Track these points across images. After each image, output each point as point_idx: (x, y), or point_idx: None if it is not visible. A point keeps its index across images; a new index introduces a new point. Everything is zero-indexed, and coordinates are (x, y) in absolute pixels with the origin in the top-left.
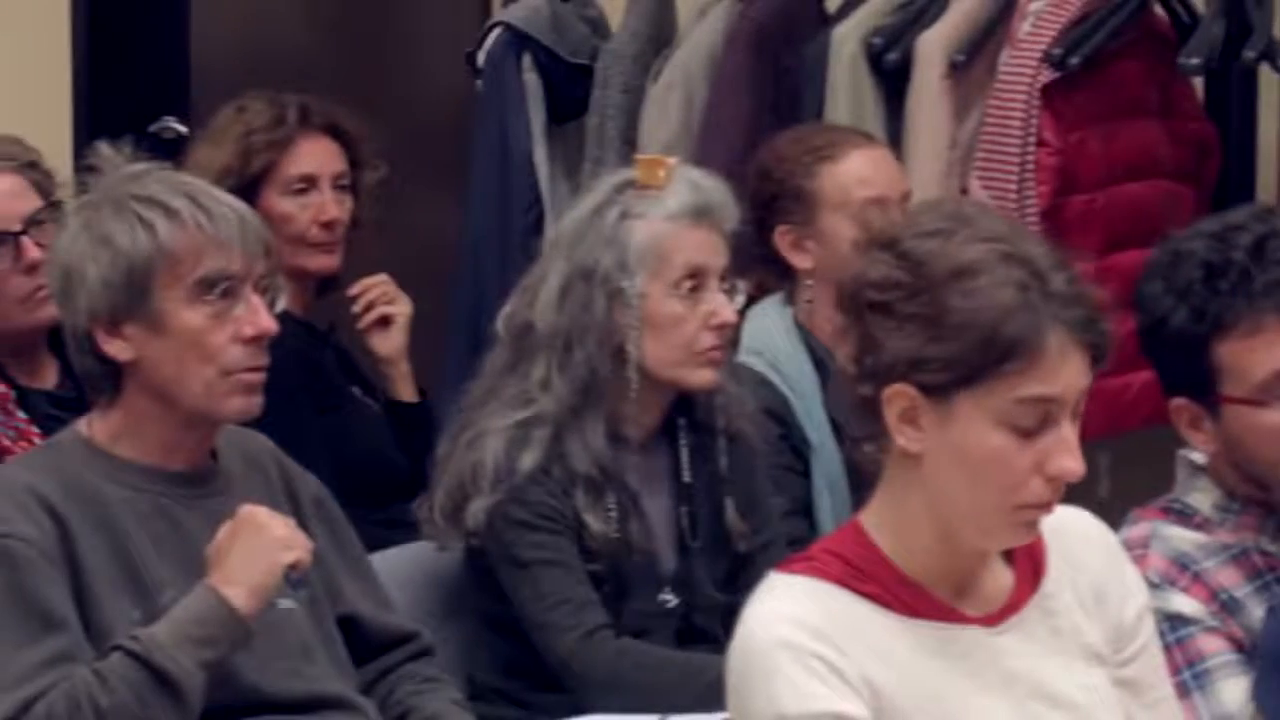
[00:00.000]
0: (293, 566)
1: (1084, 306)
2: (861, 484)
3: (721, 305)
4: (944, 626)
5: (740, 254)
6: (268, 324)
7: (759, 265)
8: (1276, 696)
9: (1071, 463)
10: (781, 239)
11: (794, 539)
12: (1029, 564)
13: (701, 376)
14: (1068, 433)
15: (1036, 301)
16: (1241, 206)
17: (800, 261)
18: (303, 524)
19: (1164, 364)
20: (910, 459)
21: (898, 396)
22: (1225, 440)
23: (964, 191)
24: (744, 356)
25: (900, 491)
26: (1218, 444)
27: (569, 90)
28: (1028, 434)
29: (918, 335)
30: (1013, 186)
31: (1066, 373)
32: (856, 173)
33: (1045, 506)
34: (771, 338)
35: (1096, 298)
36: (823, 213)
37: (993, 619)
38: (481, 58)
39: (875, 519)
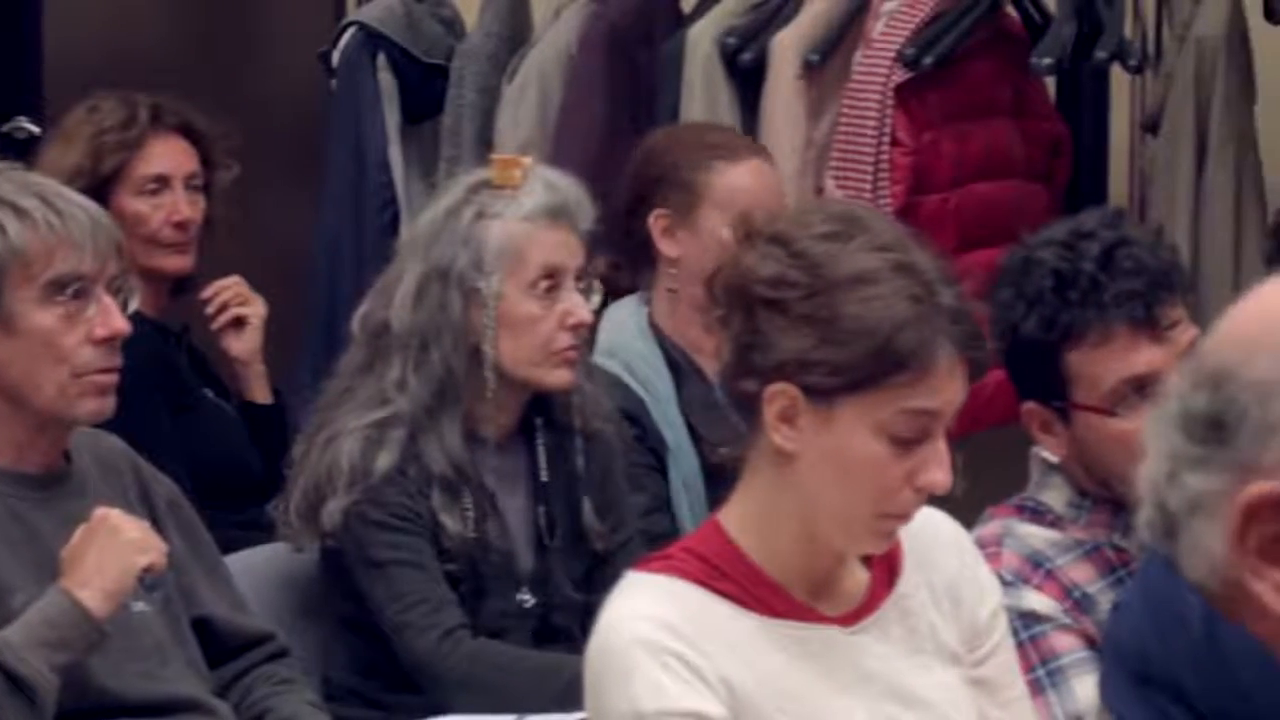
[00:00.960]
0: (147, 569)
1: (969, 323)
2: (718, 484)
3: (577, 305)
4: (801, 626)
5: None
6: (120, 325)
7: (620, 250)
8: (1122, 693)
9: (942, 476)
10: (656, 222)
11: (659, 535)
12: (885, 564)
13: (558, 376)
14: (941, 446)
15: (929, 315)
16: (1092, 210)
17: (668, 249)
18: (157, 526)
19: (1016, 369)
20: (781, 459)
21: (779, 395)
22: (1075, 444)
23: (819, 191)
24: (598, 358)
25: (765, 490)
26: (1068, 447)
27: (424, 90)
28: (905, 444)
29: (810, 337)
30: (867, 186)
31: (950, 388)
32: (747, 180)
33: (908, 516)
34: (626, 339)
35: (979, 314)
36: (704, 208)
37: (849, 619)
38: (336, 58)
39: (736, 517)
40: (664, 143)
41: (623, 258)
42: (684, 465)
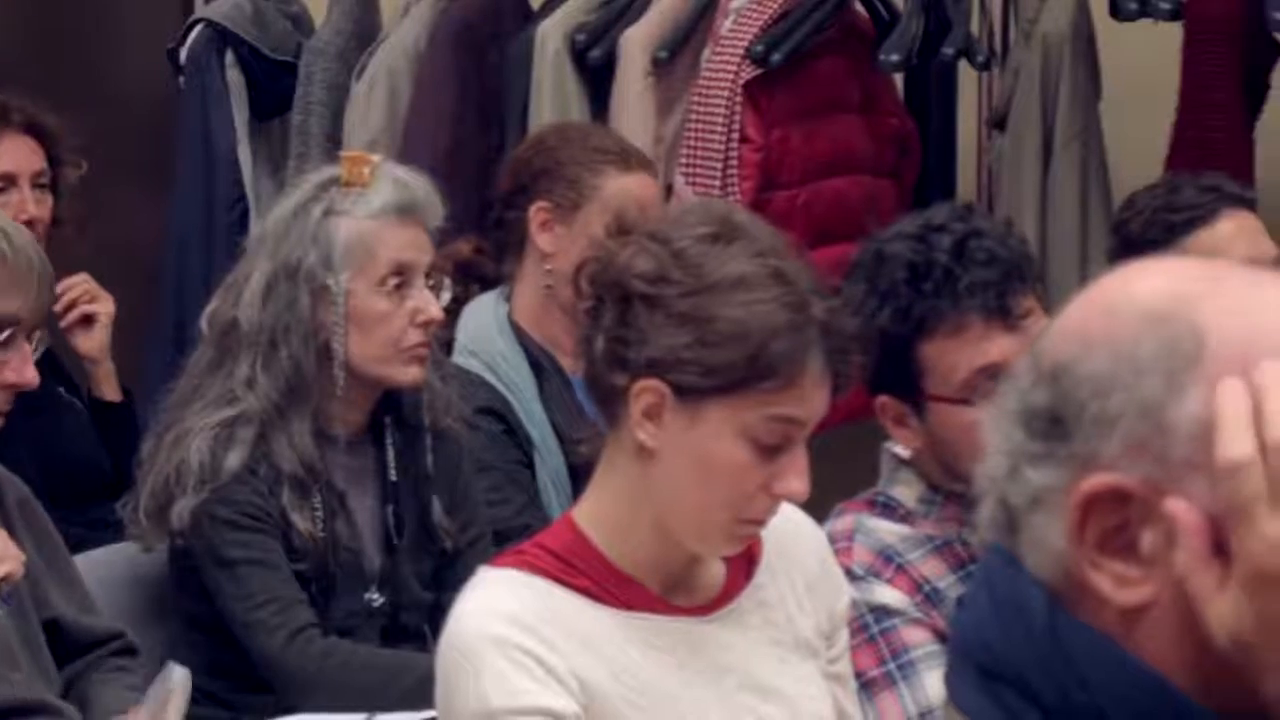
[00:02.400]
0: (4, 578)
1: (840, 336)
2: (583, 482)
3: (427, 302)
4: (656, 618)
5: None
6: (31, 377)
7: (490, 235)
8: (967, 688)
9: (800, 485)
10: (535, 214)
11: (534, 532)
12: (743, 557)
13: (408, 374)
14: (801, 455)
15: (801, 324)
16: (942, 205)
17: (544, 244)
18: (8, 528)
19: (870, 363)
20: (641, 455)
21: (647, 391)
22: (929, 436)
23: (669, 188)
24: (459, 357)
25: (622, 486)
26: (922, 440)
27: (272, 87)
28: (766, 451)
29: (685, 336)
30: (716, 182)
31: (817, 398)
32: (634, 190)
33: (763, 523)
34: (486, 337)
35: (850, 328)
36: (588, 209)
37: (705, 610)
38: (184, 55)
39: (590, 513)
40: (555, 137)
41: (491, 244)
42: (550, 463)
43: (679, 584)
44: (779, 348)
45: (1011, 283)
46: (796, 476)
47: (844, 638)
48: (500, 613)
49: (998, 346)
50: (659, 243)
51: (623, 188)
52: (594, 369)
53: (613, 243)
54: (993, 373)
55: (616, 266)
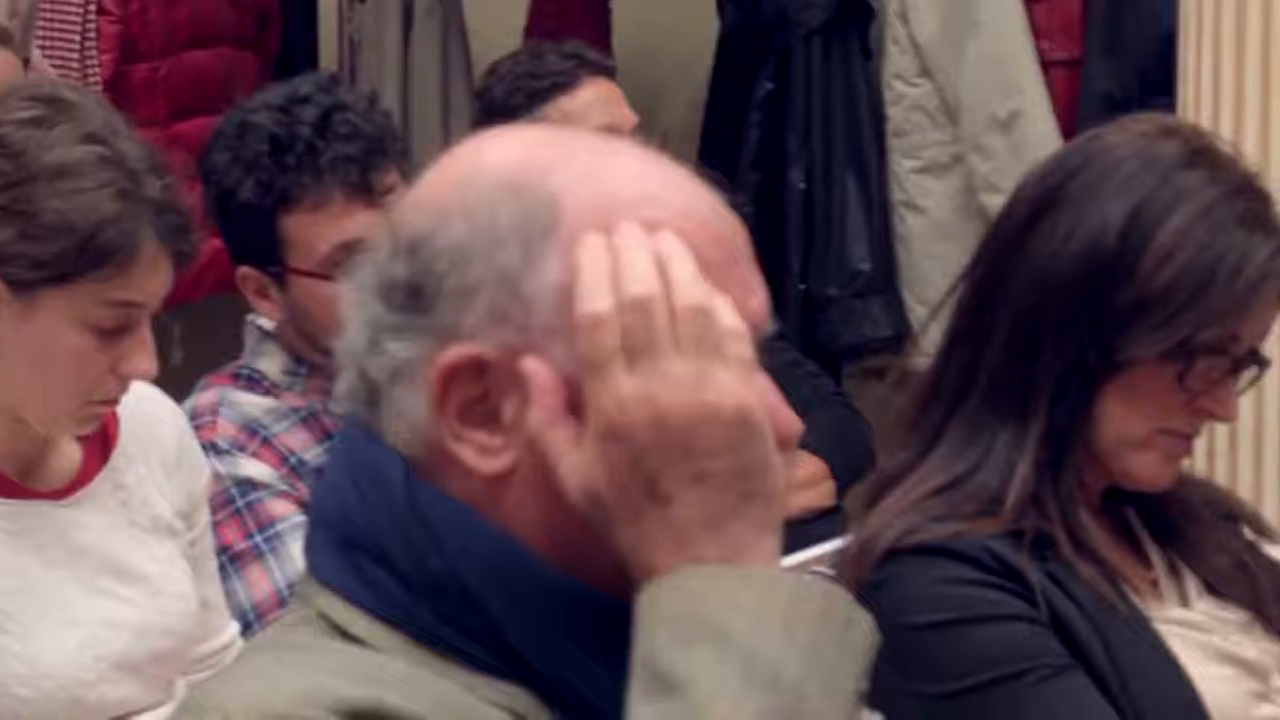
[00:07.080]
0: None
1: (175, 214)
2: None
3: None
4: (10, 502)
5: None
6: None
7: None
8: (327, 558)
9: (146, 364)
10: None
11: None
12: (99, 440)
13: None
14: (145, 334)
15: (132, 209)
16: (306, 75)
17: None
18: None
19: (231, 234)
20: None
21: None
22: (291, 309)
23: (26, 62)
24: None
25: None
26: (284, 312)
27: None
28: (107, 335)
29: (10, 230)
30: (75, 55)
31: (154, 280)
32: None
33: (114, 402)
34: None
35: (185, 205)
36: None
37: (60, 493)
38: None
39: None
40: None
41: None
42: None
43: (33, 467)
44: (108, 236)
45: (374, 158)
46: (143, 356)
47: (204, 518)
48: None
49: (359, 222)
50: None
51: None
52: None
53: None
54: (354, 248)
55: None
